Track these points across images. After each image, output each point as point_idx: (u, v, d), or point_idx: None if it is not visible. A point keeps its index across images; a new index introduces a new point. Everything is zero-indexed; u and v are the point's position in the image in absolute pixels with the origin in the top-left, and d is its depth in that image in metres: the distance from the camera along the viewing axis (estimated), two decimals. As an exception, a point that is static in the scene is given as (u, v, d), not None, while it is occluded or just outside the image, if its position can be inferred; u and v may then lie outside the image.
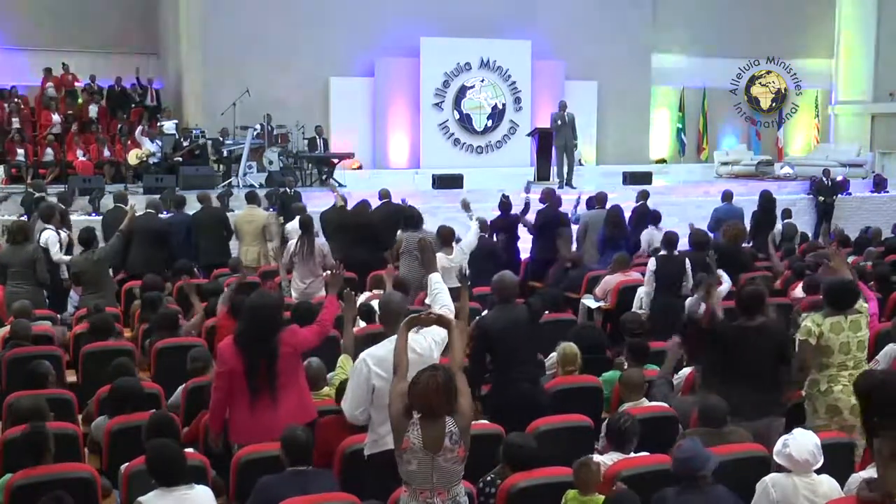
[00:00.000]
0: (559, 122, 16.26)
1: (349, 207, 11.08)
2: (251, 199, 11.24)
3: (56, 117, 17.29)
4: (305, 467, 4.35)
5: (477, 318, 6.02)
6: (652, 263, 8.01)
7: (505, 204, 10.95)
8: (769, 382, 5.36)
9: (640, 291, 8.23)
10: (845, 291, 5.59)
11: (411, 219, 9.63)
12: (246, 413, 4.90)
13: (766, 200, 12.44)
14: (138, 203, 10.80)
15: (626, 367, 6.18)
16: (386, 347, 4.59)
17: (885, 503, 3.72)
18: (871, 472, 3.89)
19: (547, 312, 7.89)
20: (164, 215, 11.05)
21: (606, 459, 4.59)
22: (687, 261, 8.16)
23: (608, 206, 10.94)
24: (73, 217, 11.62)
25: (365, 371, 4.55)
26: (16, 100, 17.61)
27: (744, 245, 9.87)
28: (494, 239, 10.61)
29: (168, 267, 9.63)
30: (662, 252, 8.14)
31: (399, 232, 9.66)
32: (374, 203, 11.23)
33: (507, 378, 5.63)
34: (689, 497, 4.02)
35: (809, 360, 5.46)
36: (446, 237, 8.74)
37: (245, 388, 4.88)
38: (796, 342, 5.55)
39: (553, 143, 16.48)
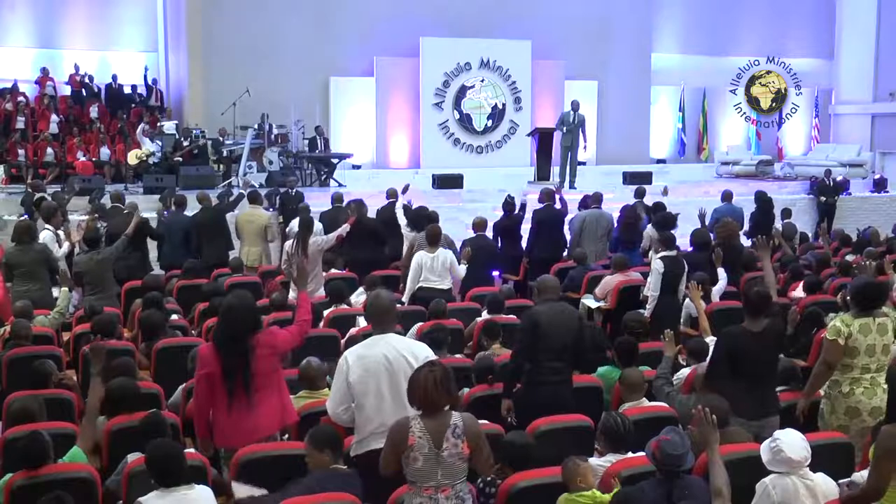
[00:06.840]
0: (570, 120, 16.04)
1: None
2: (253, 199, 11.06)
3: (54, 117, 17.25)
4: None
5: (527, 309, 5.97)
6: (660, 265, 7.94)
7: (509, 204, 10.96)
8: (768, 383, 5.39)
9: (648, 292, 7.98)
10: (873, 292, 5.53)
11: (415, 220, 9.67)
12: (224, 416, 4.82)
13: (763, 201, 12.41)
14: (139, 203, 10.77)
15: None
16: (369, 347, 4.59)
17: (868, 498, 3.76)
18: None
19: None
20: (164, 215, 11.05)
21: (604, 462, 4.58)
22: (684, 261, 8.11)
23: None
24: (74, 217, 11.60)
25: (345, 369, 4.53)
26: (20, 98, 17.58)
27: (744, 245, 9.85)
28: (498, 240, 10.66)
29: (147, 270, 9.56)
30: (667, 253, 8.10)
31: (408, 233, 9.69)
32: (379, 202, 11.25)
33: (540, 374, 5.49)
34: (666, 487, 4.08)
35: (837, 361, 5.40)
36: (433, 237, 8.75)
37: (224, 390, 4.81)
38: (822, 342, 5.53)
39: (559, 143, 16.31)
